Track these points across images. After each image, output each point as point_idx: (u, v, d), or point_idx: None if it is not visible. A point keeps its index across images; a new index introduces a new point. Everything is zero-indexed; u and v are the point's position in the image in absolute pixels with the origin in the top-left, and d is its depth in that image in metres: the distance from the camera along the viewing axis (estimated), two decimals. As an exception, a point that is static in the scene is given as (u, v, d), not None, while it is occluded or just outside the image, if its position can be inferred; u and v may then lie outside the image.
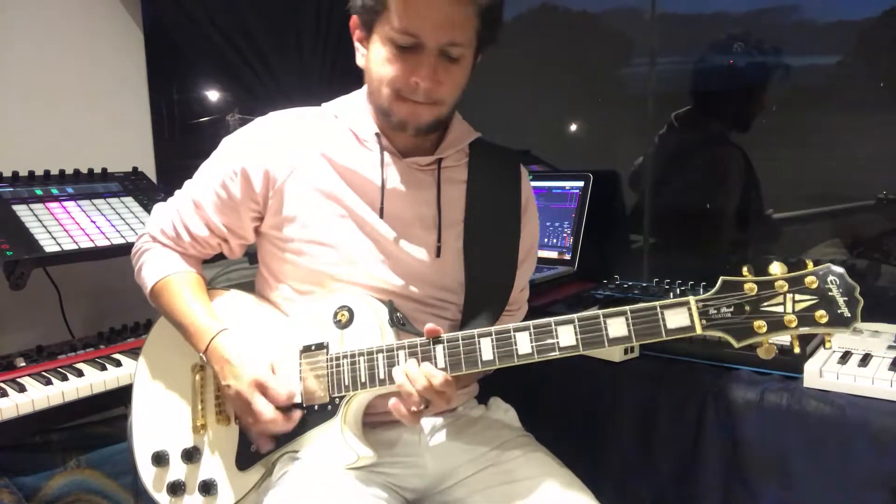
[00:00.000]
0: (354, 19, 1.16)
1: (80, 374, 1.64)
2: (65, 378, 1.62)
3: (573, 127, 2.17)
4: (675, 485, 1.42)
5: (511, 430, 1.30)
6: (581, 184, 1.91)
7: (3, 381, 1.58)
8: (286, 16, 2.57)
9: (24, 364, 1.69)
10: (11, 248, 1.66)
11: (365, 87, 1.24)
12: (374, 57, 1.13)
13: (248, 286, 1.37)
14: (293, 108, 1.27)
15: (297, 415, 1.13)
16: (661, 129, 1.93)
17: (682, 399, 1.40)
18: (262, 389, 1.10)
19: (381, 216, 1.19)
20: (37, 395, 1.52)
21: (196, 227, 1.25)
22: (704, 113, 1.87)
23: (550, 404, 1.57)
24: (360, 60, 1.18)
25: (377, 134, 1.21)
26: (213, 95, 2.71)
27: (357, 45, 1.18)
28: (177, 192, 1.30)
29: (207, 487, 1.19)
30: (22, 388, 1.55)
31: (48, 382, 1.58)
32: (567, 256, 1.89)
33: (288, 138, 1.21)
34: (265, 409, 1.09)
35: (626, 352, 1.47)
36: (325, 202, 1.19)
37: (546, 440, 1.30)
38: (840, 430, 1.22)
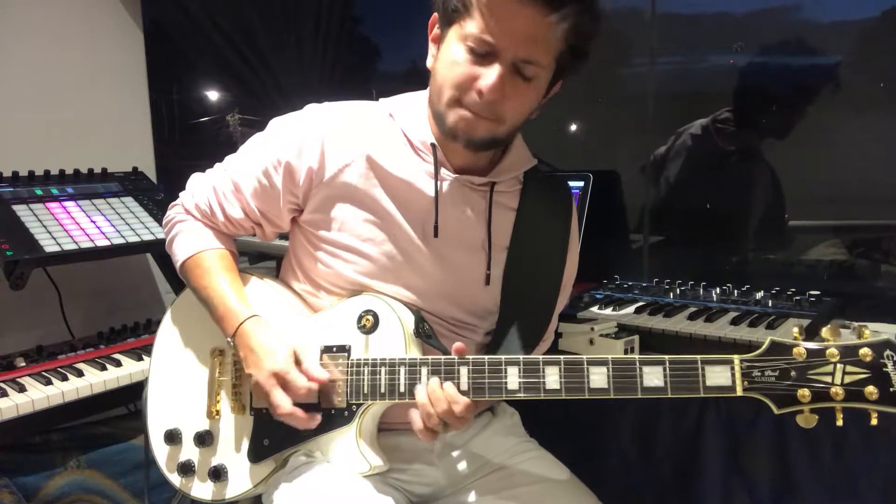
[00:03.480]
0: (434, 17, 1.10)
1: (80, 374, 1.64)
2: (65, 378, 1.62)
3: (573, 127, 2.17)
4: (675, 485, 1.43)
5: (516, 436, 1.29)
6: (581, 184, 1.91)
7: (3, 381, 1.58)
8: (286, 16, 2.57)
9: (24, 364, 1.69)
10: (11, 248, 1.67)
11: (428, 90, 1.17)
12: (444, 57, 1.06)
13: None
14: (348, 100, 1.21)
15: (318, 416, 1.10)
16: (690, 126, 1.89)
17: (682, 399, 1.40)
18: (283, 382, 1.08)
19: (436, 235, 1.14)
20: (37, 395, 1.52)
21: (232, 209, 1.22)
22: (744, 121, 1.83)
23: (551, 405, 1.57)
24: (429, 61, 1.11)
25: (433, 144, 1.13)
26: (213, 95, 2.70)
27: (430, 45, 1.12)
28: (217, 166, 1.26)
29: (217, 474, 1.19)
30: (22, 388, 1.55)
31: (48, 382, 1.58)
32: (567, 256, 1.89)
33: (337, 136, 1.15)
34: (283, 402, 1.07)
35: (625, 352, 1.47)
36: (365, 210, 1.14)
37: (547, 440, 1.30)
38: (840, 430, 1.22)
